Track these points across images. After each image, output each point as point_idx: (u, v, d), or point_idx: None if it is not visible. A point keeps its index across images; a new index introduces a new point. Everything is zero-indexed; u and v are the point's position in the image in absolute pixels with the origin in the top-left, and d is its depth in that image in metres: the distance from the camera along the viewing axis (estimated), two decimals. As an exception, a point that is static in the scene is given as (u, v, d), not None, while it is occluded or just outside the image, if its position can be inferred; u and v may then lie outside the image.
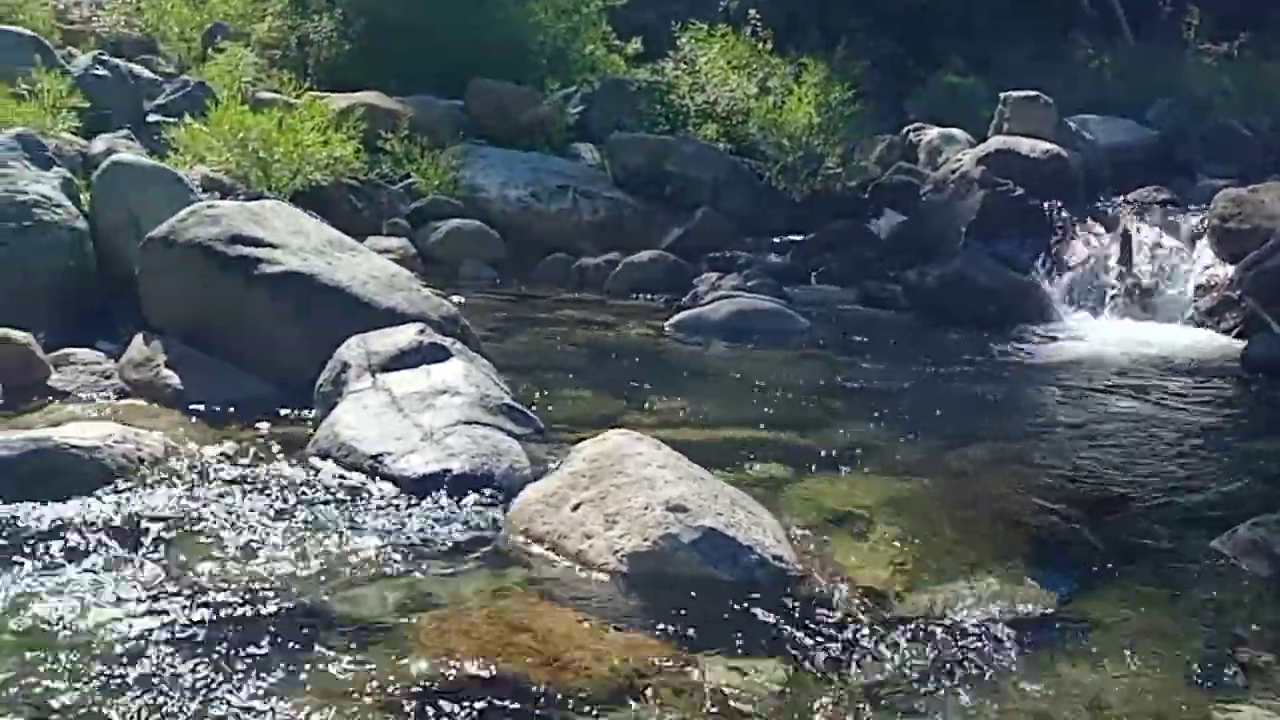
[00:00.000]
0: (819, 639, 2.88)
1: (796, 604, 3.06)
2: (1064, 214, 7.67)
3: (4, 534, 3.19)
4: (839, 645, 2.86)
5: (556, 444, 4.30)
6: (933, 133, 9.57)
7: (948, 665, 2.78)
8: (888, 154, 9.91)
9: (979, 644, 2.89)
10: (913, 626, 2.97)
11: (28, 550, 3.10)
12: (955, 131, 9.37)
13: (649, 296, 7.78)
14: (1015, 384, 5.90)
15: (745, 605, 3.01)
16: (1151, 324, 7.04)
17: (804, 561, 3.33)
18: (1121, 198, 8.06)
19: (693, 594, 3.04)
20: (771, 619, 2.96)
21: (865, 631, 2.94)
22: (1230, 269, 6.87)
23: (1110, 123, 9.42)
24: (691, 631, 2.86)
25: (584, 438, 4.18)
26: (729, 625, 2.92)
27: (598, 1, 12.02)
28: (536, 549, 3.32)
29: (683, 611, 2.95)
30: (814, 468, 4.30)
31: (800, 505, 3.87)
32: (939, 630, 2.95)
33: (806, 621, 2.97)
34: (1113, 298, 7.28)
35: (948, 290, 7.31)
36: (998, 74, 10.40)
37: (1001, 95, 8.86)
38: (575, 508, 3.32)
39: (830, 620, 2.99)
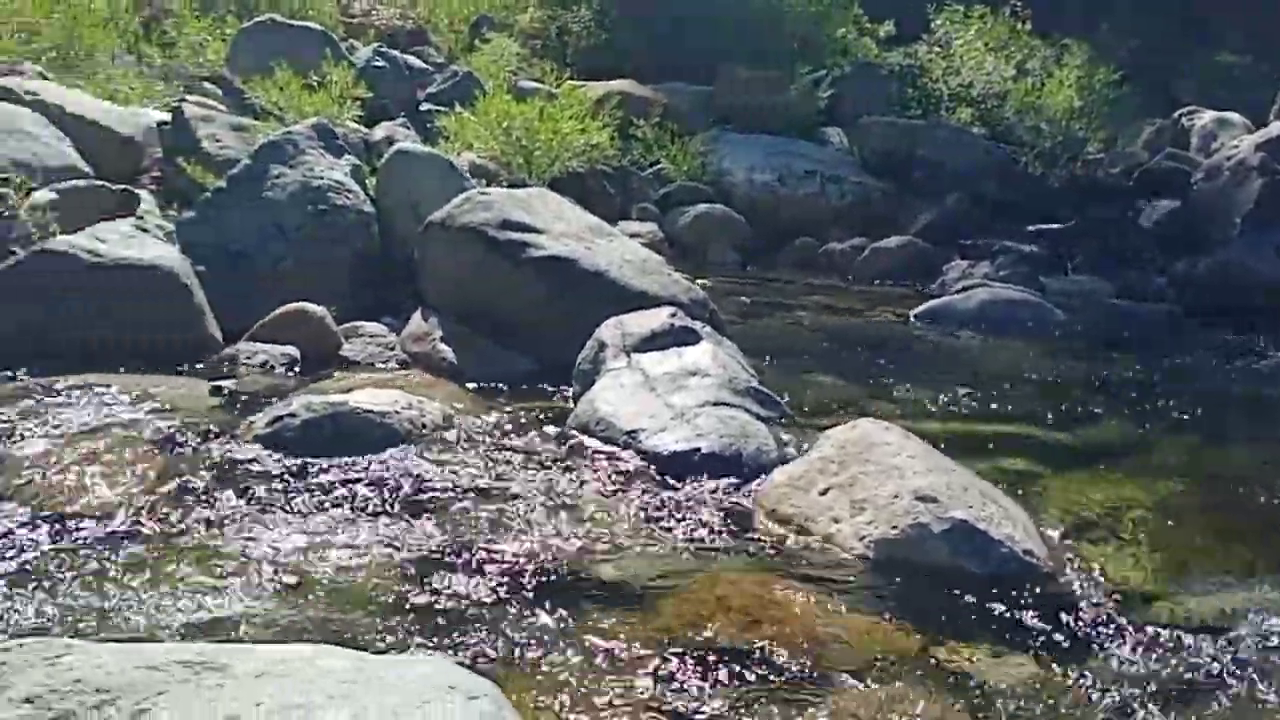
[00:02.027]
0: (1067, 638, 2.88)
1: (1045, 602, 3.05)
2: (1355, 204, 7.09)
3: (309, 485, 3.58)
4: (1087, 646, 2.85)
5: (802, 428, 4.40)
6: (1207, 117, 9.03)
7: (1200, 676, 2.72)
8: (1156, 139, 9.41)
9: (1234, 656, 2.81)
10: (1165, 633, 2.90)
11: (328, 501, 3.47)
12: (1232, 115, 8.81)
13: (896, 283, 7.74)
14: (1287, 385, 5.56)
15: (993, 599, 3.03)
16: None
17: (1054, 559, 3.31)
18: None
19: (940, 584, 3.08)
20: (1019, 615, 2.97)
21: (1115, 635, 2.91)
22: None
23: None
24: (938, 621, 2.91)
25: (829, 424, 4.27)
26: (976, 618, 2.95)
27: (850, -17, 11.94)
28: (783, 530, 3.43)
29: (929, 601, 3.01)
30: (1067, 464, 4.22)
31: (1052, 502, 3.82)
32: (1193, 639, 2.88)
33: (1055, 620, 2.96)
34: None
35: (1219, 282, 6.92)
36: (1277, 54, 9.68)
37: (1287, 76, 8.27)
38: (823, 492, 3.42)
39: (1079, 621, 2.97)
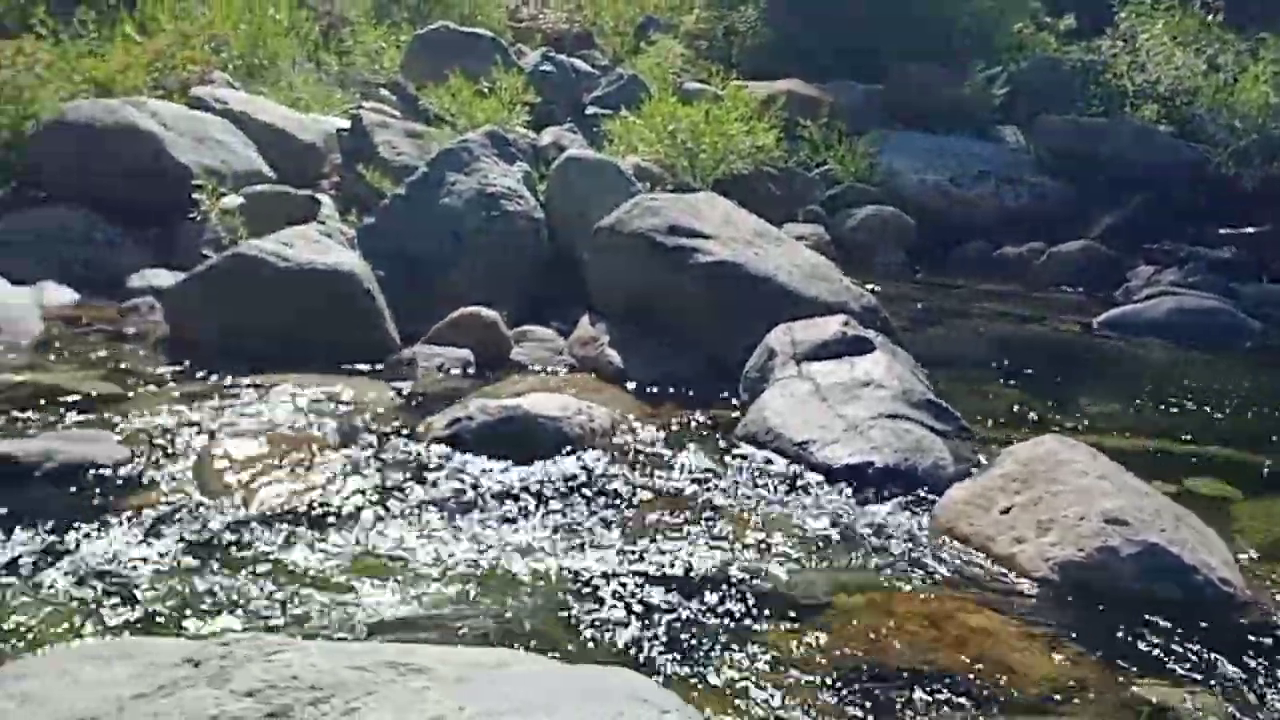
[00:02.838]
0: (1265, 671, 2.71)
1: (1240, 631, 2.90)
2: None
3: (487, 487, 3.66)
4: (1289, 681, 2.68)
5: (979, 442, 4.28)
6: None
7: None
8: (1364, 136, 8.78)
9: None
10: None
11: (505, 504, 3.54)
12: None
13: (1075, 289, 7.44)
14: None
15: (1185, 628, 2.88)
16: None
17: (1253, 587, 3.13)
18: None
19: (1129, 611, 2.95)
20: (1212, 645, 2.82)
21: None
22: None
23: None
24: (1125, 649, 2.79)
25: (1008, 439, 4.14)
26: (1167, 646, 2.81)
27: (1029, -24, 11.54)
28: (962, 547, 3.34)
29: (1118, 627, 2.88)
30: (1264, 486, 3.99)
31: (1247, 527, 3.63)
32: None
33: (1252, 651, 2.80)
34: None
35: None
36: None
37: None
38: (1005, 511, 3.31)
39: (1276, 652, 2.79)
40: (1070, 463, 3.35)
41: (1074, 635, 2.86)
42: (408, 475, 3.73)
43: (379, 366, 4.93)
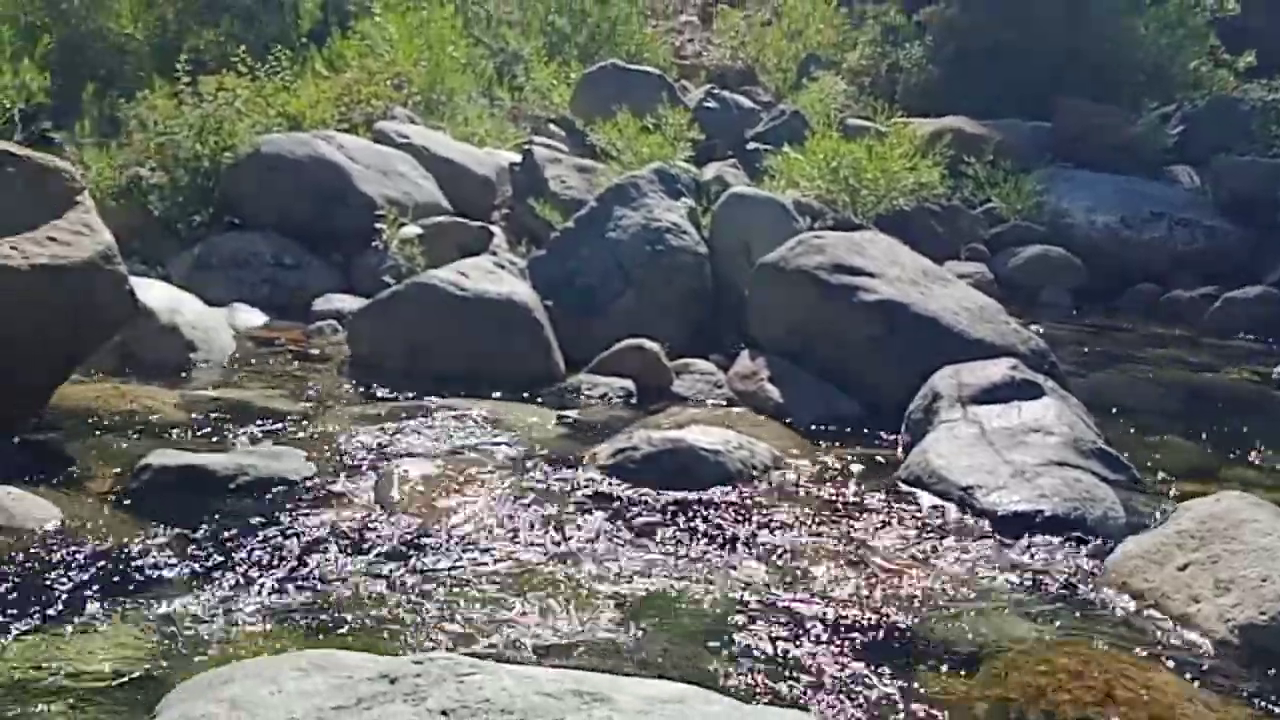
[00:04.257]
0: None
1: None
2: None
3: (651, 518, 3.75)
4: None
5: (1152, 494, 4.17)
6: None
7: None
8: None
9: None
10: None
11: (669, 535, 3.62)
12: None
13: (1253, 337, 7.14)
14: None
15: (1377, 700, 2.76)
16: None
17: None
18: None
19: (1315, 679, 2.84)
20: None
21: None
22: None
23: None
24: (1313, 718, 2.69)
25: (1181, 491, 4.03)
26: (1358, 719, 2.70)
27: (1207, 12, 11.15)
28: (1135, 603, 3.27)
29: (1302, 695, 2.78)
30: None
31: None
32: None
33: None
34: None
35: None
36: None
37: None
38: (1182, 568, 3.23)
39: None
40: (1252, 521, 3.24)
41: (1253, 700, 2.77)
42: (574, 501, 3.86)
43: (546, 394, 5.09)
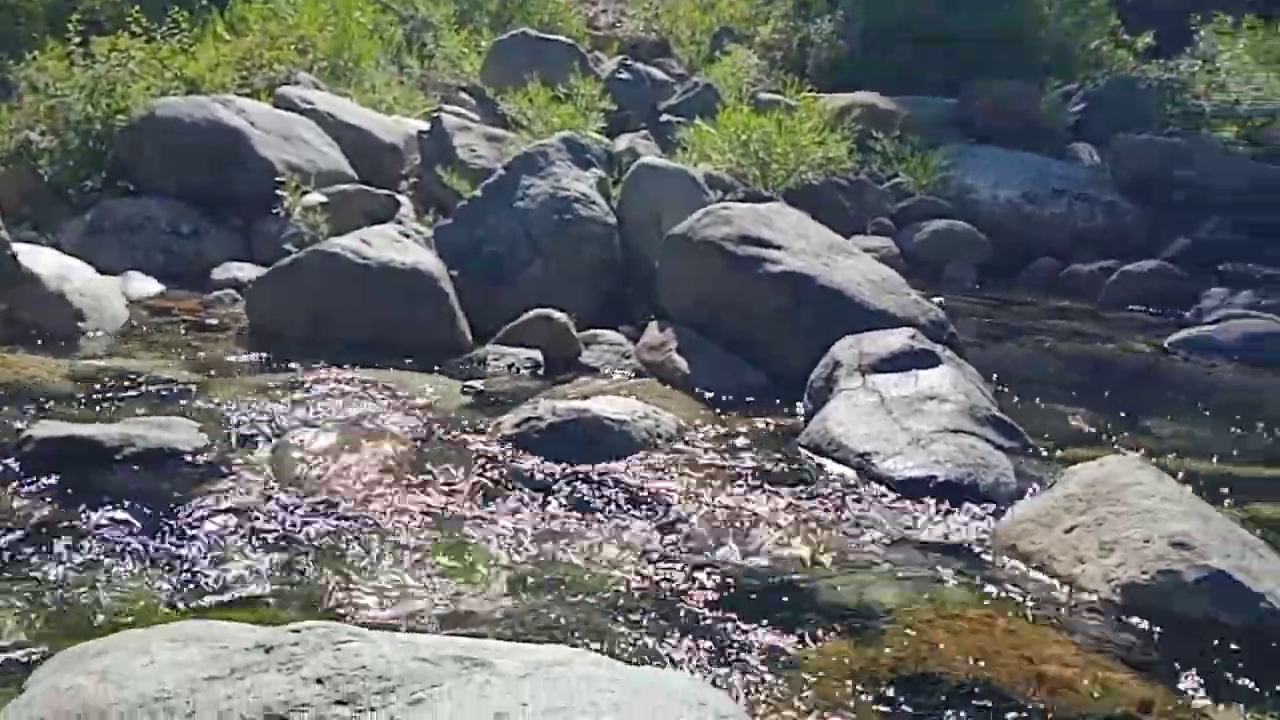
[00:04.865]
0: (1333, 702, 2.69)
1: (1310, 662, 2.86)
2: None
3: (553, 487, 3.74)
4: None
5: (1043, 460, 4.26)
6: None
7: None
8: None
9: None
10: None
11: (571, 503, 3.62)
12: None
13: (1147, 310, 7.34)
14: None
15: (1251, 655, 2.86)
16: None
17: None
18: None
19: (1191, 635, 2.94)
20: (1277, 673, 2.79)
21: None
22: None
23: None
24: (1189, 674, 2.77)
25: (1074, 458, 4.13)
26: (1229, 674, 2.79)
27: (1108, -7, 11.42)
28: (1023, 566, 3.34)
29: (1179, 652, 2.87)
30: (1338, 516, 3.92)
31: (1320, 556, 3.56)
32: None
33: (1319, 682, 2.77)
34: None
35: None
36: None
37: None
38: (1068, 530, 3.31)
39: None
40: (1135, 484, 3.34)
41: (1134, 657, 2.85)
42: (476, 472, 3.83)
43: (451, 364, 5.04)
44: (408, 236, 5.67)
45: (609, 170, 6.65)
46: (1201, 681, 2.75)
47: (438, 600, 2.94)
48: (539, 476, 3.82)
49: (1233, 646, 2.89)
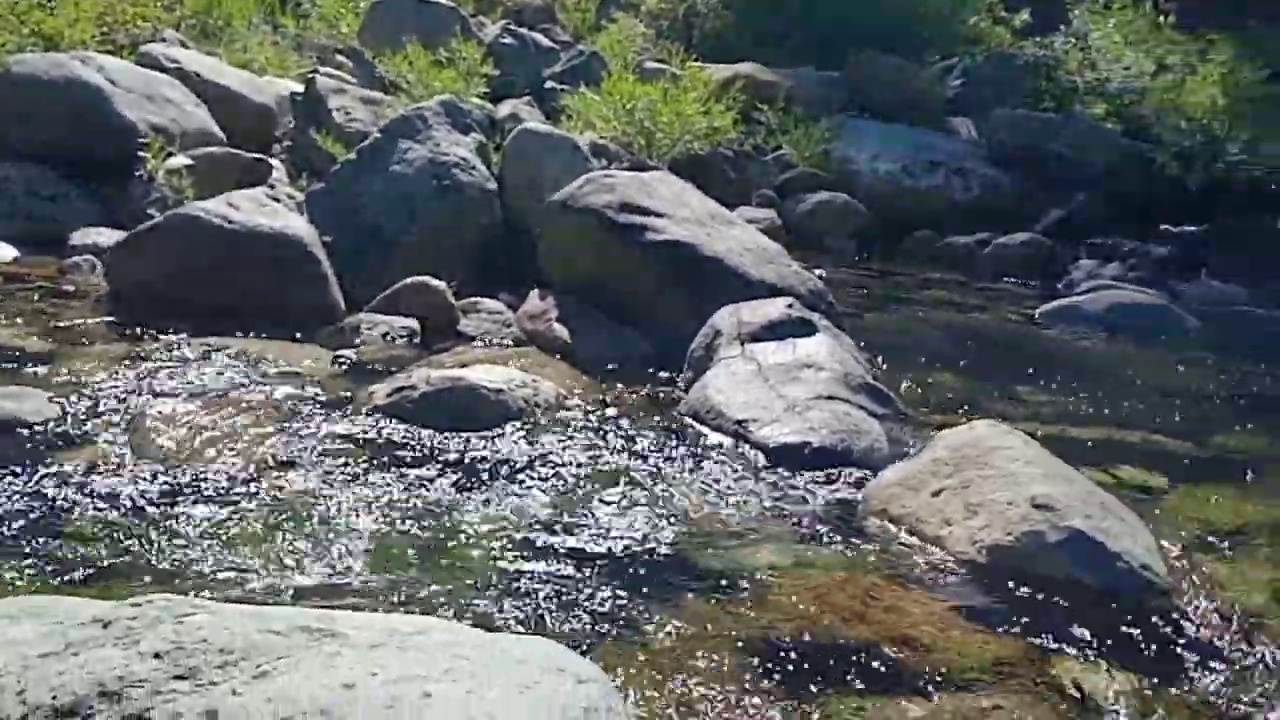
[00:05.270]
0: (1179, 657, 2.78)
1: (1160, 619, 2.95)
2: None
3: (424, 457, 3.66)
4: (1199, 666, 2.75)
5: (916, 426, 4.33)
6: (1361, 120, 8.57)
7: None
8: (1304, 141, 8.95)
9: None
10: (1286, 658, 2.80)
11: (442, 474, 3.54)
12: (1389, 119, 8.34)
13: (1019, 281, 7.54)
14: None
15: (1108, 613, 2.94)
16: None
17: (1174, 575, 3.20)
18: None
19: (1052, 594, 3.01)
20: (1134, 631, 2.88)
21: (1233, 656, 2.80)
22: None
23: None
24: (1049, 631, 2.84)
25: (944, 423, 4.20)
26: (1089, 631, 2.87)
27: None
28: (892, 529, 3.39)
29: (1040, 611, 2.94)
30: (1193, 477, 4.07)
31: (1175, 516, 3.69)
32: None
33: (1168, 638, 2.87)
34: None
35: (1364, 297, 6.58)
36: None
37: None
38: (935, 494, 3.37)
39: (1194, 640, 2.87)
40: (1001, 448, 3.41)
41: (996, 617, 2.91)
42: (345, 443, 3.72)
43: (322, 333, 4.89)
44: (277, 201, 5.48)
45: (491, 136, 6.53)
46: (1061, 640, 2.81)
47: (297, 574, 2.84)
48: (411, 446, 3.74)
49: (1091, 605, 2.97)
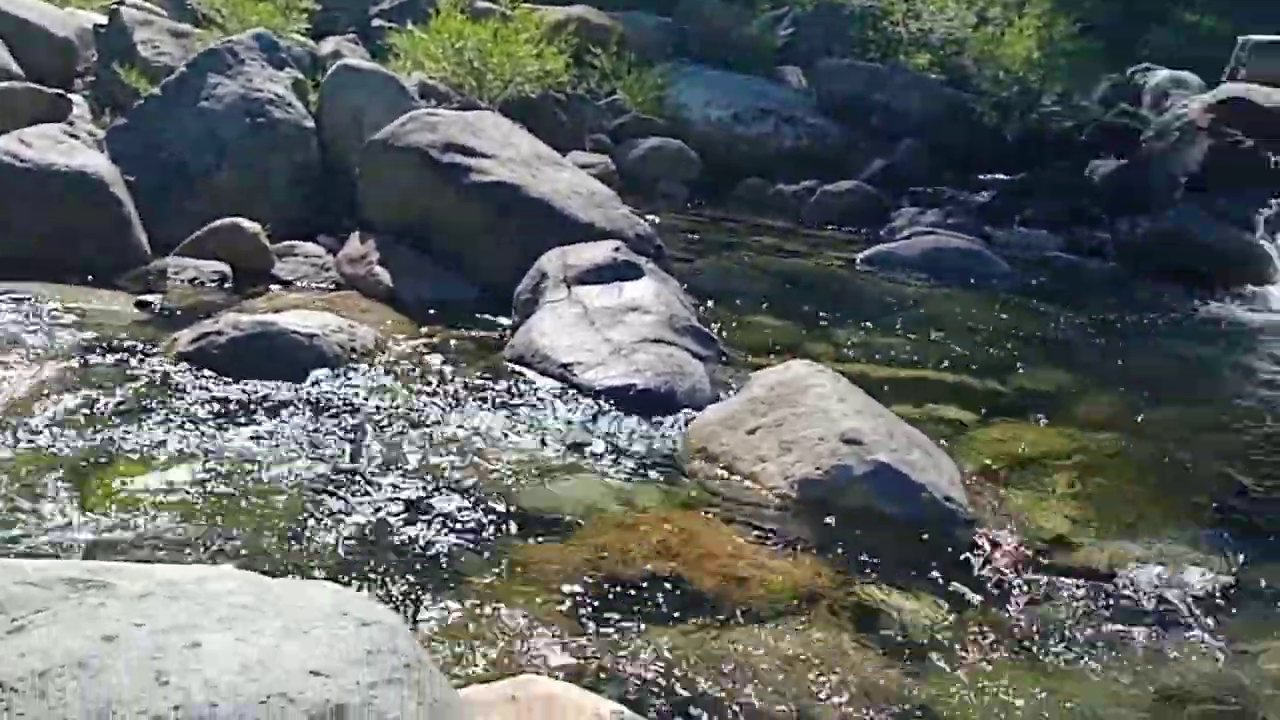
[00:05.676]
0: (983, 580, 2.91)
1: (961, 546, 3.07)
2: (1299, 171, 7.11)
3: (229, 406, 3.51)
4: (1000, 588, 2.88)
5: (739, 368, 4.39)
6: (1160, 75, 9.05)
7: (1106, 618, 2.77)
8: (1111, 95, 9.40)
9: (1141, 601, 2.85)
10: (1077, 580, 2.94)
11: (248, 423, 3.41)
12: (1186, 75, 8.83)
13: (844, 227, 7.71)
14: (1220, 347, 5.62)
15: (912, 542, 3.05)
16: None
17: (976, 505, 3.33)
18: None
19: (860, 525, 3.10)
20: (937, 558, 2.99)
21: (1029, 578, 2.94)
22: None
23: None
24: (856, 560, 2.93)
25: (766, 364, 4.26)
26: (893, 559, 2.97)
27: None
28: (710, 467, 3.43)
29: (849, 541, 3.02)
30: (998, 414, 4.25)
31: (979, 450, 3.85)
32: (1102, 587, 2.92)
33: (970, 563, 2.99)
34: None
35: (1160, 244, 6.96)
36: (1245, 15, 9.65)
37: (1240, 39, 8.26)
38: (752, 432, 3.41)
39: (996, 564, 3.00)
40: (814, 386, 3.48)
41: (807, 548, 2.98)
42: (145, 392, 3.54)
43: (125, 278, 4.64)
44: (75, 138, 5.14)
45: (313, 74, 6.27)
46: (866, 569, 2.90)
47: (92, 526, 2.69)
48: (216, 395, 3.58)
49: (896, 535, 3.08)
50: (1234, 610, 2.87)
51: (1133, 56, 10.22)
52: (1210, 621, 2.79)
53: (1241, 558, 3.14)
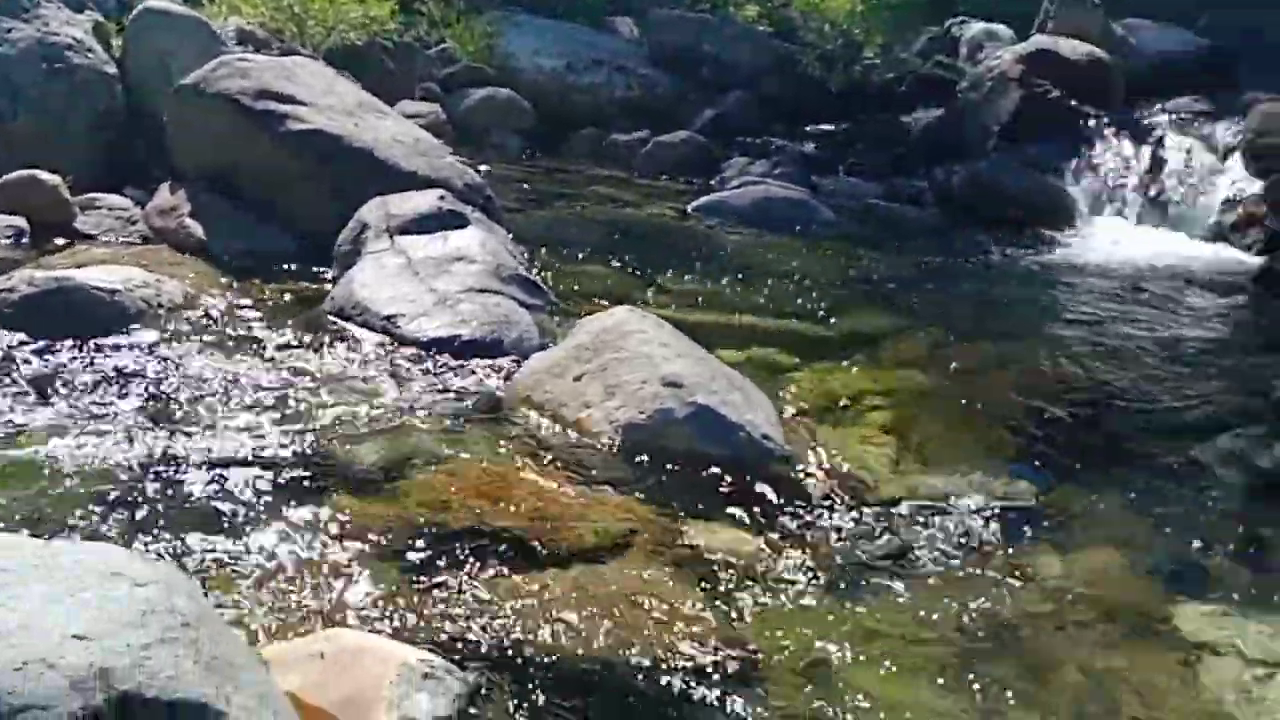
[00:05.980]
0: (798, 515, 2.99)
1: (779, 484, 3.15)
2: (1099, 120, 7.50)
3: (20, 365, 3.32)
4: (816, 522, 2.97)
5: (568, 317, 4.39)
6: (975, 27, 9.35)
7: (918, 548, 2.89)
8: (929, 47, 9.68)
9: (952, 531, 2.99)
10: (891, 510, 3.07)
11: (41, 383, 3.24)
12: (998, 27, 9.14)
13: (676, 177, 7.76)
14: (1028, 286, 5.89)
15: (732, 480, 3.11)
16: (1174, 235, 6.94)
17: (794, 443, 3.42)
18: (1160, 107, 7.85)
19: (682, 466, 3.15)
20: (755, 495, 3.06)
21: (844, 512, 3.05)
22: (1259, 185, 6.74)
23: (1161, 30, 9.11)
24: (677, 500, 2.98)
25: (593, 312, 4.28)
26: (714, 498, 3.03)
27: None
28: (537, 415, 3.42)
29: (671, 483, 3.07)
30: (817, 355, 4.36)
31: (798, 390, 3.95)
32: (915, 515, 3.05)
33: (788, 499, 3.07)
34: (1138, 207, 7.16)
35: (973, 191, 7.24)
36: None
37: (1050, -9, 8.59)
38: (577, 378, 3.42)
39: (811, 499, 3.10)
40: (637, 332, 3.50)
41: (630, 490, 3.02)
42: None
43: (-93, 232, 4.34)
44: None
45: (118, 15, 5.94)
46: (688, 508, 2.95)
47: None
48: (6, 354, 3.38)
49: (716, 474, 3.14)
50: (1033, 534, 3.03)
51: (952, 9, 10.51)
52: (1010, 547, 2.94)
53: (1043, 484, 3.32)
